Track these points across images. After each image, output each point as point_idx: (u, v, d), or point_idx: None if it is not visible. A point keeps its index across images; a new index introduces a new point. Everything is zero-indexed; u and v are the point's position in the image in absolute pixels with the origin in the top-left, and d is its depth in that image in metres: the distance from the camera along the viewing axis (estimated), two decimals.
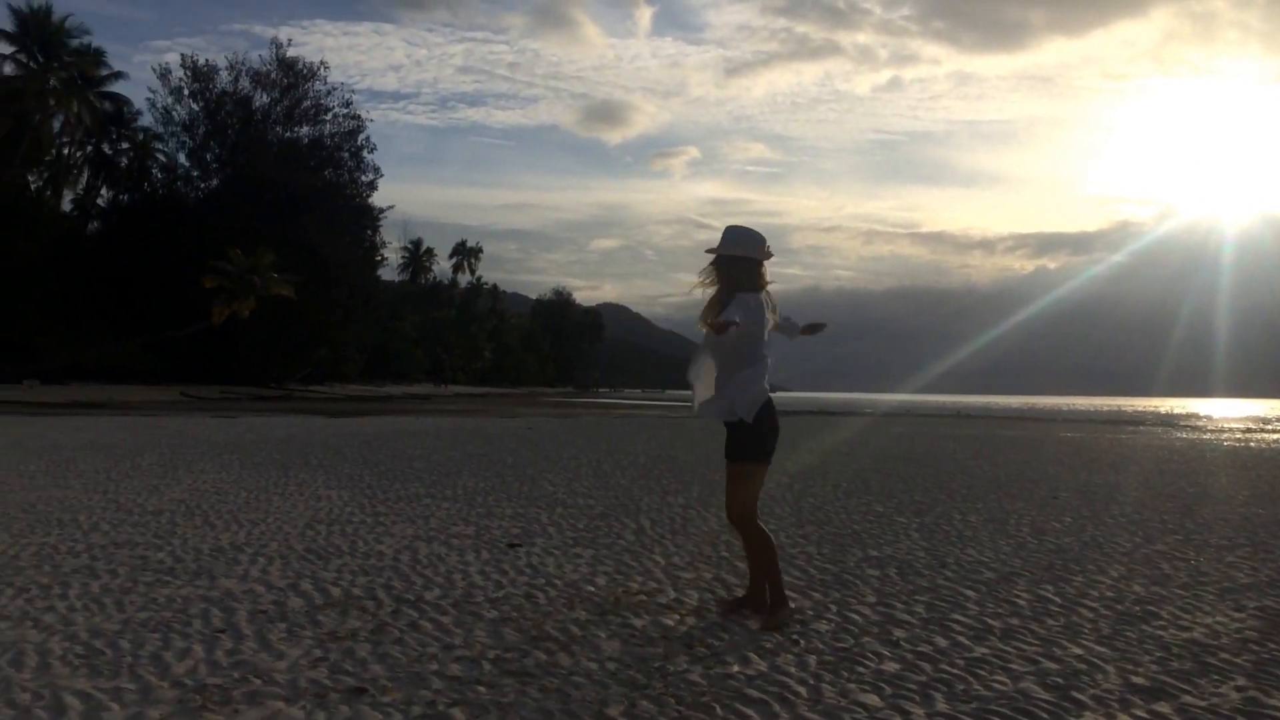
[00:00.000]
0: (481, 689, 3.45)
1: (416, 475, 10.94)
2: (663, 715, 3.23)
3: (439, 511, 8.05)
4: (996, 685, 3.66)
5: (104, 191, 66.77)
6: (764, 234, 4.57)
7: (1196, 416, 56.45)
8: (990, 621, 4.65)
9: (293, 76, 66.77)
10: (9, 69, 52.58)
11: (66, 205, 62.89)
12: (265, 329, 57.72)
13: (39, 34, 52.10)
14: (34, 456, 12.43)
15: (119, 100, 62.62)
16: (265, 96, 66.73)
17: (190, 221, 60.73)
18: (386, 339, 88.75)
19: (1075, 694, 3.57)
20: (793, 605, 4.68)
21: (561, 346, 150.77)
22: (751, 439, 4.46)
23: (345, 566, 5.64)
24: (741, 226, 4.59)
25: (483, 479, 10.64)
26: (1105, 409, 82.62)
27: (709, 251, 4.60)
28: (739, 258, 4.52)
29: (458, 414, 33.51)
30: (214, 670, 3.62)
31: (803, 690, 3.53)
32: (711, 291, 4.60)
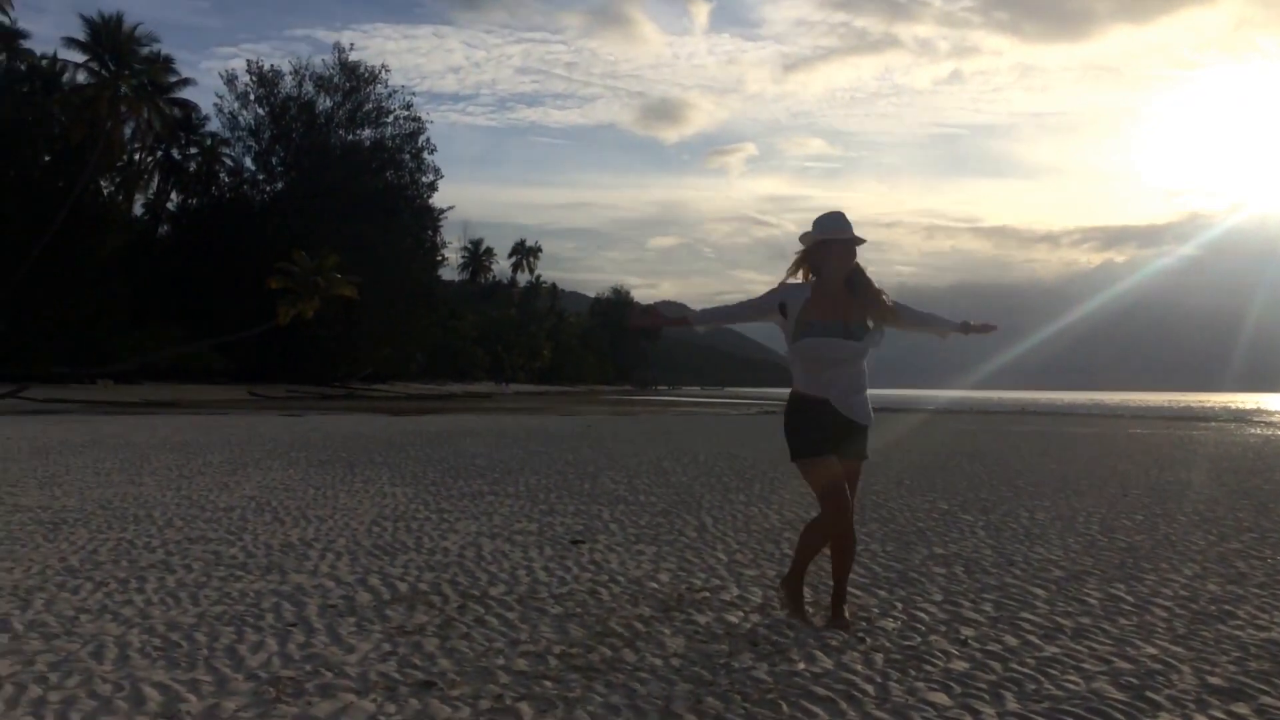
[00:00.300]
0: (548, 684, 3.48)
1: (479, 472, 11.04)
2: (729, 712, 3.23)
3: (502, 508, 8.12)
4: (1069, 685, 3.60)
5: (173, 196, 68.40)
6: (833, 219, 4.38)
7: (1270, 412, 54.96)
8: (1061, 620, 4.58)
9: (355, 80, 67.84)
10: (82, 77, 54.00)
11: (138, 209, 64.48)
12: (329, 329, 58.71)
13: (110, 42, 53.40)
14: (110, 454, 12.76)
15: (187, 106, 64.02)
16: (328, 100, 67.93)
17: (256, 224, 62.00)
18: (447, 338, 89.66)
19: (1150, 694, 3.50)
20: (808, 607, 4.60)
21: (620, 345, 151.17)
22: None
23: (411, 562, 5.71)
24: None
25: (544, 476, 10.71)
26: (1175, 405, 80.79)
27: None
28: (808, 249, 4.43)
29: (518, 412, 33.77)
30: (287, 663, 3.69)
31: (869, 688, 3.51)
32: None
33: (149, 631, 4.10)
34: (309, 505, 8.12)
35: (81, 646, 3.86)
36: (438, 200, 72.38)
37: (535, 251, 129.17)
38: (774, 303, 4.36)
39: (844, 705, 3.33)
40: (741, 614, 4.60)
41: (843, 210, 4.38)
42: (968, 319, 4.56)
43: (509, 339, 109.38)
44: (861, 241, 4.32)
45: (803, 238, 4.42)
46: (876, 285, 4.37)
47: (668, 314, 4.66)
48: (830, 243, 4.30)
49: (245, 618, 4.36)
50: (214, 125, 67.38)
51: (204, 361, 55.95)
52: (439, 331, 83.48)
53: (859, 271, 4.34)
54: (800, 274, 4.45)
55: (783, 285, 4.40)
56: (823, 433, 4.25)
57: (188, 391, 48.54)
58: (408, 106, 69.88)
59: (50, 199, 48.08)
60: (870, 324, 4.31)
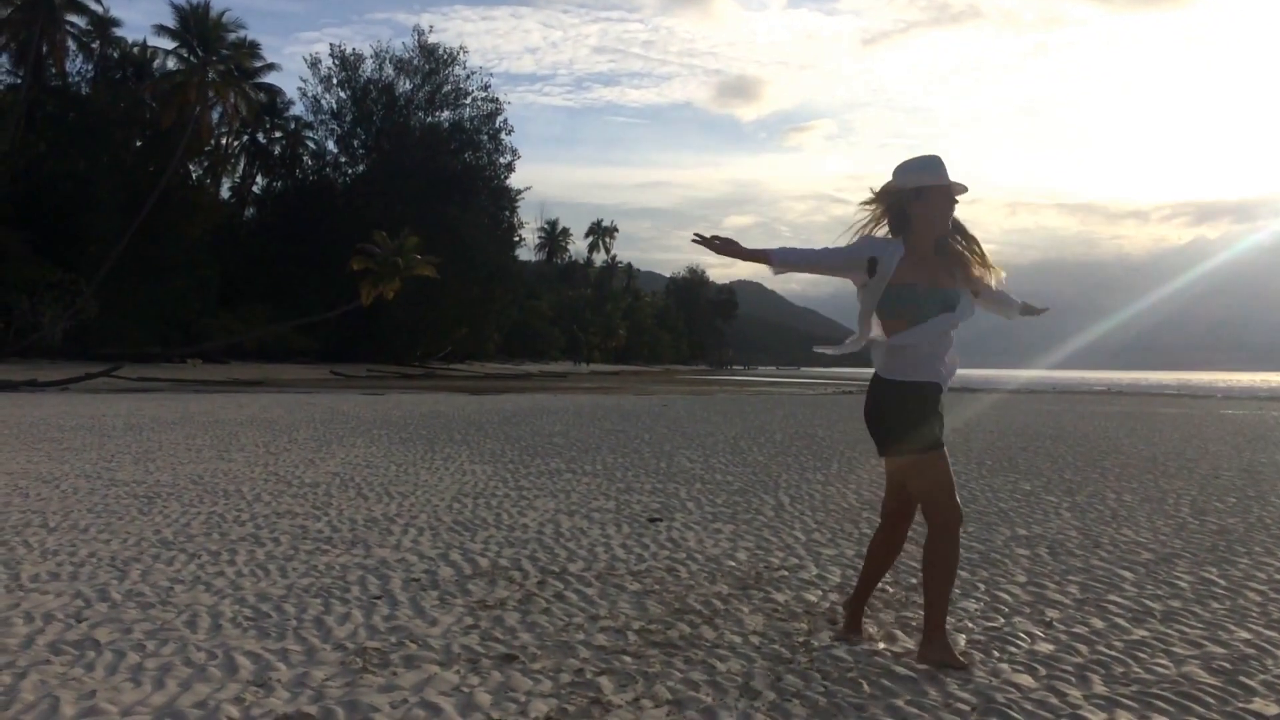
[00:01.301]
0: (627, 659, 3.50)
1: (556, 451, 11.13)
2: (809, 689, 3.22)
3: (579, 486, 8.18)
4: (1158, 669, 3.51)
5: (259, 179, 70.03)
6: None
7: None
8: (1149, 604, 4.47)
9: (434, 62, 68.51)
10: (172, 64, 55.43)
11: (225, 193, 66.13)
12: (409, 310, 59.58)
13: (198, 29, 54.67)
14: (200, 430, 13.14)
15: (273, 91, 65.33)
16: (408, 83, 68.74)
17: (339, 206, 63.11)
18: (524, 318, 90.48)
19: (1244, 679, 3.40)
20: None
21: (696, 324, 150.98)
22: None
23: (491, 539, 5.78)
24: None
25: (621, 455, 10.76)
26: (1269, 385, 78.06)
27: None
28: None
29: (594, 391, 33.95)
30: (372, 634, 3.77)
31: (952, 669, 3.46)
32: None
33: (240, 602, 4.22)
34: (391, 482, 8.27)
35: (176, 616, 3.99)
36: (515, 181, 72.93)
37: (611, 231, 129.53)
38: (864, 256, 3.58)
39: (926, 685, 3.29)
40: (820, 593, 4.57)
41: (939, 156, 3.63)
42: (1029, 301, 3.95)
43: (585, 319, 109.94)
44: (964, 189, 3.61)
45: (882, 191, 3.67)
46: (977, 241, 3.69)
47: (747, 248, 3.88)
48: (928, 190, 3.56)
49: (332, 590, 4.46)
50: (298, 109, 68.80)
51: (288, 342, 57.28)
52: (516, 311, 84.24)
53: (958, 227, 3.66)
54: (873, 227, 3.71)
55: (871, 237, 3.65)
56: (940, 421, 3.63)
57: (273, 371, 49.75)
58: (485, 88, 70.50)
59: (142, 183, 49.59)
60: (958, 285, 3.63)
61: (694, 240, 3.71)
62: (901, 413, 3.58)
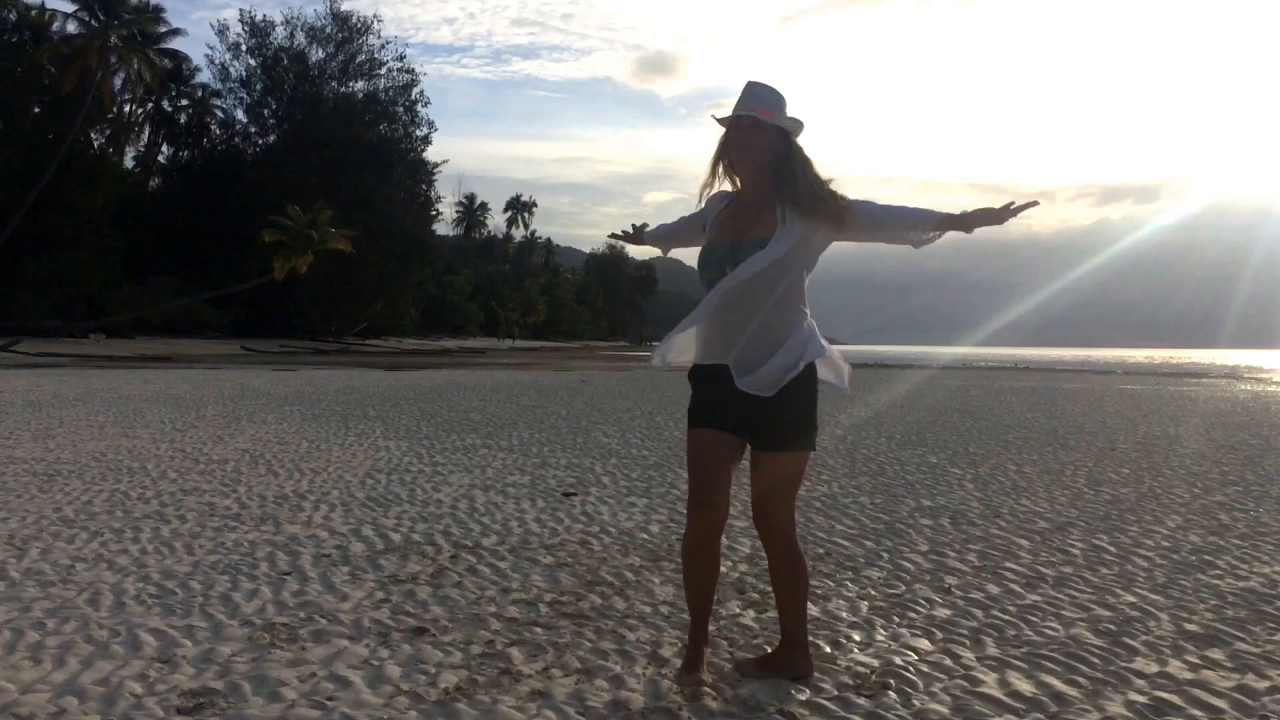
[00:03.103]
0: (539, 630, 3.54)
1: (473, 427, 11.10)
2: (715, 657, 3.29)
3: (495, 462, 8.18)
4: (1048, 631, 3.67)
5: (164, 148, 67.91)
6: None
7: (1261, 369, 55.14)
8: (1043, 570, 4.65)
9: (347, 31, 67.08)
10: (72, 27, 53.39)
11: (129, 162, 64.00)
12: (324, 284, 58.51)
13: None
14: (103, 407, 12.79)
15: (178, 57, 63.40)
16: (321, 51, 67.18)
17: (249, 177, 61.56)
18: (442, 293, 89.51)
19: (1127, 640, 3.57)
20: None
21: (615, 301, 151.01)
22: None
23: (405, 514, 5.76)
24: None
25: (538, 431, 10.77)
26: (1169, 362, 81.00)
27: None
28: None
29: (513, 367, 33.81)
30: (281, 610, 3.75)
31: (855, 634, 3.58)
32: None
33: (144, 580, 4.16)
34: (303, 458, 8.16)
35: (78, 594, 3.91)
36: (432, 154, 72.03)
37: (530, 207, 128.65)
38: (701, 220, 3.20)
39: (829, 649, 3.39)
40: (730, 563, 4.66)
41: (764, 82, 3.05)
42: (970, 209, 2.90)
43: (504, 295, 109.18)
44: (763, 121, 2.96)
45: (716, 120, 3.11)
46: (815, 173, 3.01)
47: (632, 233, 3.69)
48: (727, 126, 3.06)
49: (240, 567, 4.41)
50: (205, 77, 66.95)
51: (197, 316, 55.86)
52: (434, 287, 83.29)
53: (787, 160, 3.00)
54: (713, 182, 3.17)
55: (712, 196, 3.19)
56: (714, 400, 3.01)
57: (181, 346, 48.51)
58: (401, 58, 69.47)
59: (41, 151, 47.73)
60: (784, 225, 2.94)
61: (611, 237, 3.82)
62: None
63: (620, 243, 3.79)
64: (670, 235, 3.50)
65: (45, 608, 3.71)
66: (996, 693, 3.02)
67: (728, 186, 3.16)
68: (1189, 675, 3.22)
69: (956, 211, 2.92)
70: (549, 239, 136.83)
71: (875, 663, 3.27)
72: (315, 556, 4.63)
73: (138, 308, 51.73)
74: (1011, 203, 2.84)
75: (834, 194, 2.98)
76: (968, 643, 3.52)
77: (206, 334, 56.37)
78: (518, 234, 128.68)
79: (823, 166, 3.04)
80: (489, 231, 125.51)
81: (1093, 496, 6.96)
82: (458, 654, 3.27)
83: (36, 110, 52.21)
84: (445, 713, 2.76)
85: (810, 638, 3.34)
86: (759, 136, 2.99)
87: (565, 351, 77.26)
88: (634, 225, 3.74)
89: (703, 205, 3.21)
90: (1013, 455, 9.31)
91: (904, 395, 20.14)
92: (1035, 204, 2.89)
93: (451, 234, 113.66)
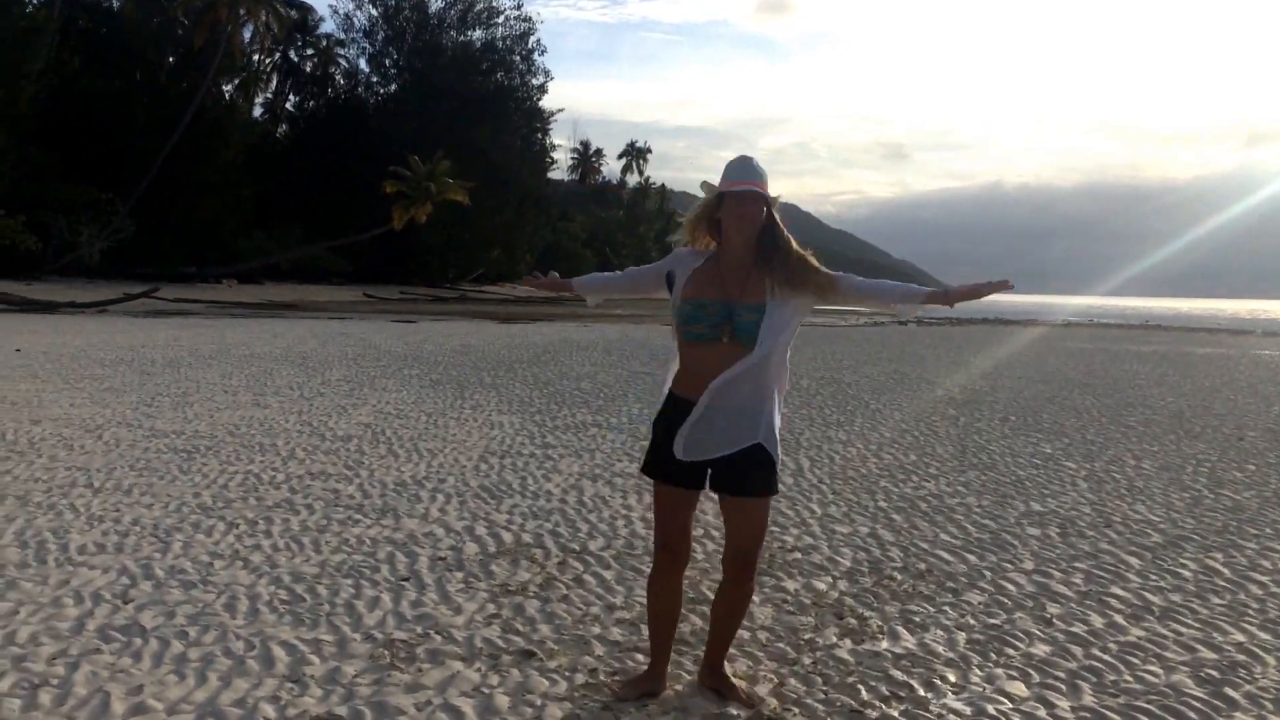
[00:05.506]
0: (639, 656, 3.69)
1: (583, 400, 11.32)
2: (809, 696, 3.40)
3: (604, 445, 8.36)
4: (1148, 677, 3.66)
5: (291, 98, 69.80)
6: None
7: None
8: (1150, 597, 4.60)
9: None
10: None
11: (257, 112, 66.02)
12: (441, 232, 59.74)
13: None
14: (237, 368, 13.44)
15: (304, 8, 64.86)
16: (440, 1, 67.87)
17: (370, 126, 62.92)
18: (557, 240, 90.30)
19: (1229, 690, 3.55)
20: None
21: None
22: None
23: (516, 508, 5.98)
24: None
25: (646, 404, 10.92)
26: None
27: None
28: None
29: (624, 320, 34.06)
30: (400, 623, 3.98)
31: (950, 674, 3.63)
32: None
33: (276, 582, 4.45)
34: (420, 436, 8.49)
35: (216, 597, 4.22)
36: (547, 102, 72.39)
37: (645, 153, 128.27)
38: (662, 272, 3.43)
39: (923, 692, 3.46)
40: (830, 580, 4.74)
41: (754, 158, 3.35)
42: (960, 283, 3.34)
43: (617, 241, 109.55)
44: (762, 195, 3.26)
45: (704, 186, 3.39)
46: (799, 249, 3.29)
47: (553, 281, 3.67)
48: (726, 195, 3.26)
49: (362, 569, 4.68)
50: (329, 26, 68.30)
51: (323, 263, 57.71)
52: (548, 233, 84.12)
53: (771, 233, 3.28)
54: (696, 239, 3.43)
55: (679, 252, 3.43)
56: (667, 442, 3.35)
57: (307, 292, 50.23)
58: (519, 5, 69.66)
59: (175, 102, 49.65)
60: (775, 298, 3.23)
61: (525, 282, 3.91)
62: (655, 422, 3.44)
63: (537, 289, 3.70)
64: (609, 285, 3.69)
65: (188, 613, 4.02)
66: None
67: (697, 246, 3.43)
68: None
69: (940, 288, 3.31)
70: (664, 185, 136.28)
71: (968, 710, 3.33)
72: (432, 560, 4.87)
73: (267, 255, 53.71)
74: (990, 280, 3.19)
75: (817, 268, 3.29)
76: (1063, 689, 3.54)
77: (331, 280, 58.18)
78: (632, 180, 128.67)
79: (800, 243, 3.34)
80: (604, 177, 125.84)
81: (1212, 502, 6.79)
82: (563, 683, 3.44)
83: (171, 61, 54.25)
84: None
85: (904, 675, 3.43)
86: (757, 206, 3.27)
87: None
88: (542, 272, 3.68)
89: (664, 259, 3.46)
90: (1132, 446, 9.09)
91: (1021, 361, 19.69)
92: (1008, 284, 3.24)
93: (566, 179, 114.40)
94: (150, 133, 48.54)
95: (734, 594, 3.40)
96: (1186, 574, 5.02)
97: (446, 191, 51.80)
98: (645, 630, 3.94)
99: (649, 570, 4.59)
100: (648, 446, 3.46)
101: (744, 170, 3.29)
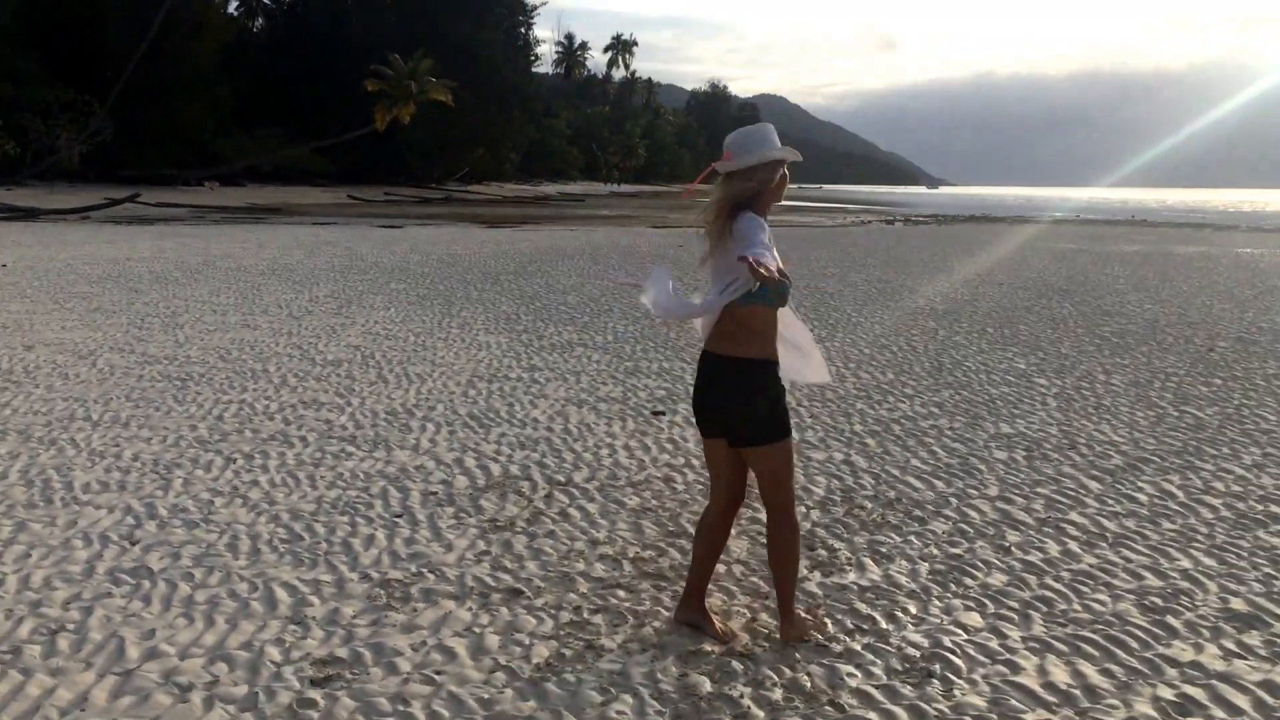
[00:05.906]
0: (621, 594, 3.93)
1: (569, 315, 11.48)
2: (778, 631, 3.64)
3: (589, 366, 8.54)
4: (1096, 605, 3.91)
5: None
6: None
7: None
8: (1105, 523, 4.85)
9: None
10: None
11: (231, 7, 64.47)
12: (425, 131, 58.95)
13: None
14: (224, 284, 13.53)
15: None
16: None
17: (351, 21, 61.55)
18: (542, 137, 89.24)
19: (1170, 620, 3.79)
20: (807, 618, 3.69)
21: (717, 142, 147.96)
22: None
23: (504, 438, 6.19)
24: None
25: (632, 322, 11.09)
26: None
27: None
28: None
29: (610, 222, 34.01)
30: (395, 562, 4.21)
31: (911, 606, 3.87)
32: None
33: (274, 519, 4.67)
34: (409, 359, 8.66)
35: (219, 537, 4.44)
36: None
37: (630, 46, 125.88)
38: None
39: (885, 625, 3.70)
40: (804, 509, 4.97)
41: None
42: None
43: (603, 138, 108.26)
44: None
45: (740, 157, 3.70)
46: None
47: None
48: (780, 165, 3.62)
49: (357, 504, 4.90)
50: None
51: (305, 164, 57.07)
52: (533, 130, 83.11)
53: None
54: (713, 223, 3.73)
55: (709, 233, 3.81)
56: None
57: (290, 194, 49.80)
58: None
59: (149, 1, 48.43)
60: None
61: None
62: (770, 389, 3.50)
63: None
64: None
65: (192, 554, 4.24)
66: (1033, 683, 3.30)
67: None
68: (1220, 666, 3.45)
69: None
70: (650, 79, 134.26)
71: (925, 643, 3.58)
72: (423, 494, 5.09)
73: (248, 156, 53.05)
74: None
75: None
76: (1016, 619, 3.79)
77: (314, 181, 57.63)
78: (618, 74, 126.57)
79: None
80: (589, 72, 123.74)
81: (1175, 419, 7.03)
82: (549, 621, 3.68)
83: None
84: (536, 693, 3.17)
85: (868, 608, 3.69)
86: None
87: (666, 198, 76.76)
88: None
89: (738, 243, 3.55)
90: (1104, 360, 9.31)
91: (1006, 265, 19.87)
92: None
93: (550, 74, 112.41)
94: (126, 32, 47.47)
95: (768, 534, 3.66)
96: (1143, 498, 5.27)
97: (429, 90, 51.01)
98: (628, 568, 4.18)
99: (631, 504, 4.84)
100: (783, 412, 3.47)
101: (776, 137, 3.59)
